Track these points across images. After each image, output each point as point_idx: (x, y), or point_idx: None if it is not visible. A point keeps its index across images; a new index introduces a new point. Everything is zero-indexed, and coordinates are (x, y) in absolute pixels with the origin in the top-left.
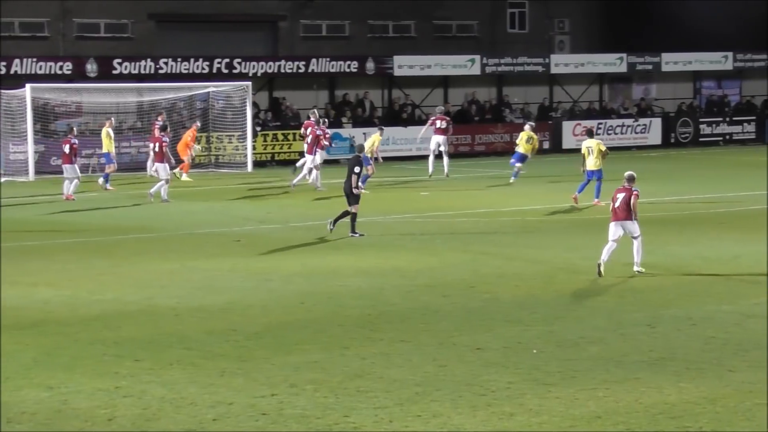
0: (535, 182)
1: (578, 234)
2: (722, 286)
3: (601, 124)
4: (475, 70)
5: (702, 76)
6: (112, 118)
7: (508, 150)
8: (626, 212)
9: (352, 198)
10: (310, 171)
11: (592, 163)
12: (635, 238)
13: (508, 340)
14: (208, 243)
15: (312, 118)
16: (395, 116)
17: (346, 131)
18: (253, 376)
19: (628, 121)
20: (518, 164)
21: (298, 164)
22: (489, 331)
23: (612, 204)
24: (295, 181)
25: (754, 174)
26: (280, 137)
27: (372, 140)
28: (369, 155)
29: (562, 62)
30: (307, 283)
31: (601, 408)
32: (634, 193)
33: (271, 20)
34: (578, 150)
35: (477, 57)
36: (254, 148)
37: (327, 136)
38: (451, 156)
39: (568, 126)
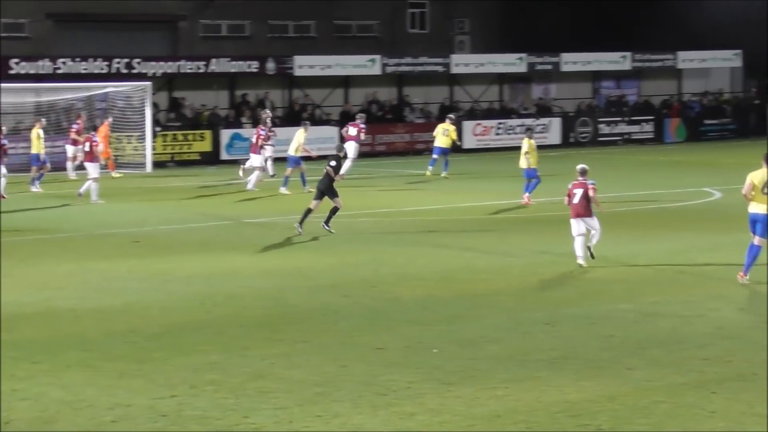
0: (436, 182)
1: (478, 233)
2: (620, 285)
3: (501, 123)
4: (376, 70)
5: (601, 75)
6: (43, 119)
7: (409, 150)
8: (586, 207)
9: (331, 193)
10: (261, 169)
11: (527, 163)
12: (581, 236)
13: (408, 340)
14: (106, 244)
15: (264, 116)
16: (296, 116)
17: (247, 132)
18: (152, 377)
19: (528, 121)
20: (435, 156)
21: (246, 165)
22: (390, 330)
23: (569, 200)
24: (250, 186)
25: (652, 173)
26: (180, 137)
27: (297, 138)
28: (295, 154)
29: (463, 62)
30: (207, 284)
31: (501, 407)
32: (590, 186)
33: (170, 20)
34: (479, 150)
35: (377, 57)
36: (154, 148)
37: (270, 136)
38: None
39: (468, 126)
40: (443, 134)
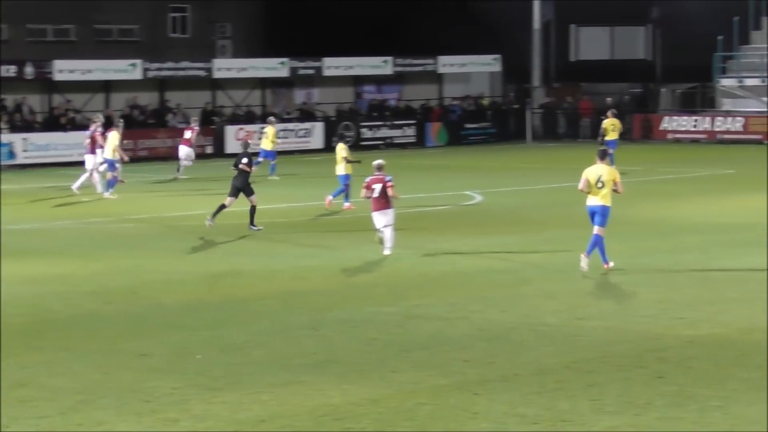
0: (197, 185)
1: (242, 238)
2: (383, 288)
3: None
4: (137, 74)
5: (363, 80)
6: None
7: (171, 155)
8: (385, 200)
9: (248, 191)
10: (90, 173)
11: (345, 169)
12: (387, 227)
13: (172, 346)
14: None
15: (96, 122)
16: (55, 122)
17: (6, 137)
18: None
19: (291, 126)
20: (260, 159)
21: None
22: (154, 337)
23: (370, 193)
24: (75, 185)
25: (415, 177)
26: None
27: (111, 140)
28: (112, 157)
29: (225, 66)
30: None
31: (265, 412)
32: (388, 182)
33: None
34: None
35: (138, 61)
36: None
37: (103, 137)
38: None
39: (231, 130)
40: (264, 137)
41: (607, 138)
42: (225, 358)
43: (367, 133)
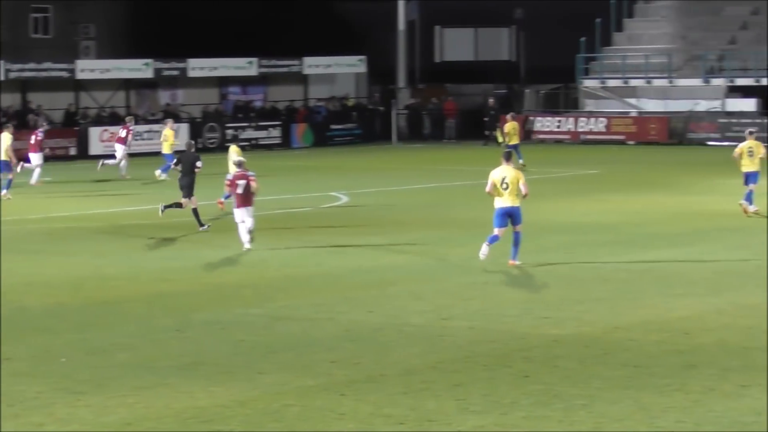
0: (62, 188)
1: (106, 240)
2: (250, 290)
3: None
4: None
5: (228, 81)
6: None
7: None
8: (249, 197)
9: (189, 191)
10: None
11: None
12: (249, 221)
13: (36, 349)
14: None
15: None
16: None
17: None
18: None
19: (156, 127)
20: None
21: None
22: (17, 340)
23: (233, 190)
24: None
25: (280, 178)
26: None
27: (4, 141)
28: (4, 158)
29: (88, 68)
30: None
31: (131, 415)
32: (251, 176)
33: None
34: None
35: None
36: None
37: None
38: None
39: (95, 132)
40: (164, 140)
41: (510, 143)
42: (90, 362)
43: (232, 134)
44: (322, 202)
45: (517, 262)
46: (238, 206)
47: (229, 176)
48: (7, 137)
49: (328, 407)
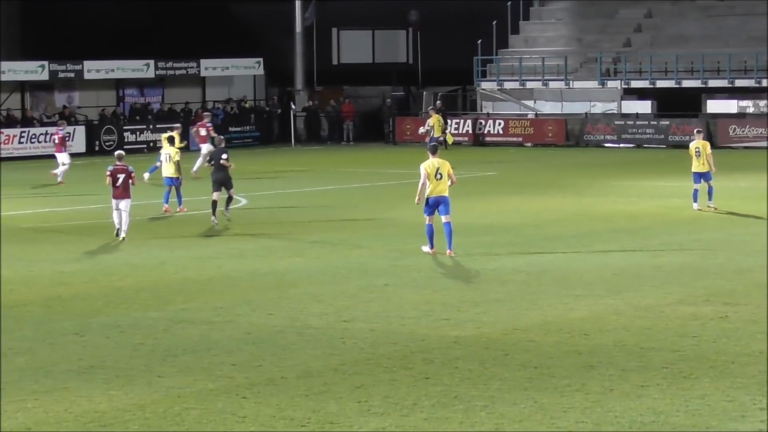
0: None
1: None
2: (149, 293)
3: (24, 132)
4: None
5: (125, 83)
6: None
7: None
8: (126, 189)
9: (229, 183)
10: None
11: (172, 171)
12: (124, 212)
13: None
14: None
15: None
16: None
17: None
18: None
19: (52, 129)
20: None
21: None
22: None
23: (113, 182)
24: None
25: None
26: None
27: None
28: None
29: None
30: None
31: (30, 419)
32: (131, 172)
33: None
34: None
35: None
36: None
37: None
38: None
39: None
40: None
41: (435, 135)
42: None
43: (129, 136)
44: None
45: (452, 253)
46: (115, 197)
47: (110, 168)
48: None
49: (229, 410)
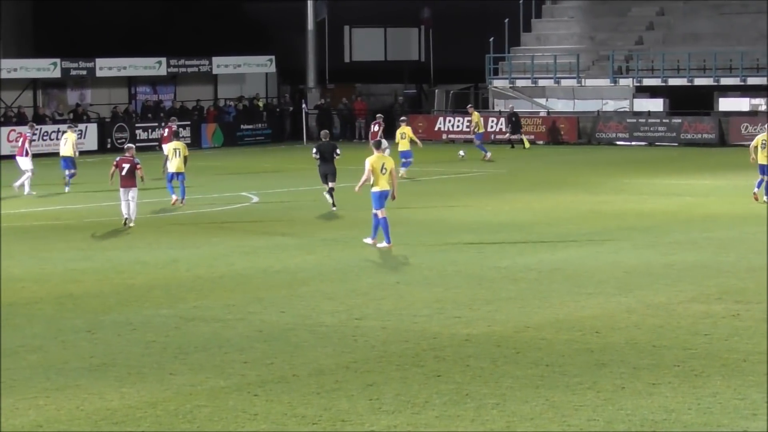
0: None
1: (13, 241)
2: (160, 291)
3: (36, 129)
4: None
5: (137, 81)
6: None
7: None
8: (132, 179)
9: (334, 176)
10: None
11: (175, 166)
12: (131, 201)
13: None
14: None
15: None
16: None
17: None
18: None
19: (64, 127)
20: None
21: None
22: None
23: (120, 172)
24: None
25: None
26: None
27: None
28: None
29: None
30: None
31: (42, 417)
32: (137, 164)
33: None
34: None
35: None
36: None
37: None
38: None
39: (2, 132)
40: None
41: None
42: None
43: (141, 134)
44: (233, 202)
45: (383, 244)
46: (122, 186)
47: (117, 159)
48: None
49: (241, 408)
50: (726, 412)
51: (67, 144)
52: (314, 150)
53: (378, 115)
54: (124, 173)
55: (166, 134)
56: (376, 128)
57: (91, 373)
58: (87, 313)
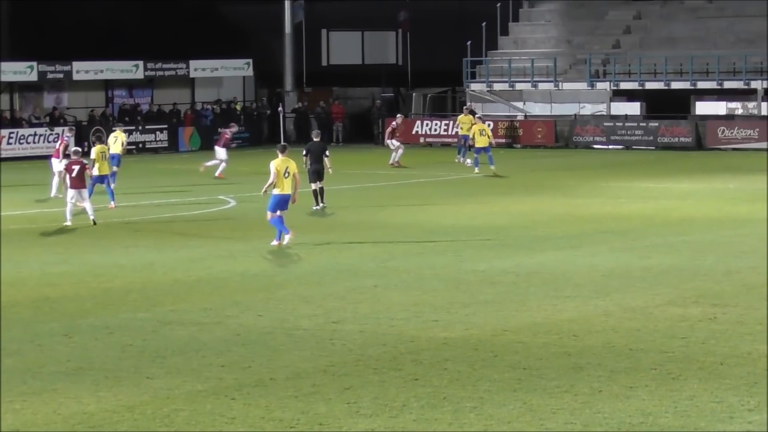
0: None
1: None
2: (138, 294)
3: (12, 133)
4: None
5: (114, 84)
6: None
7: None
8: (81, 180)
9: (322, 175)
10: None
11: (100, 170)
12: (86, 199)
13: None
14: None
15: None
16: None
17: None
18: None
19: (41, 130)
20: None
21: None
22: None
23: (69, 175)
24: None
25: (168, 182)
26: None
27: None
28: None
29: None
30: None
31: (19, 421)
32: (86, 165)
33: None
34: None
35: None
36: None
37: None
38: None
39: None
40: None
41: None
42: None
43: None
44: (210, 205)
45: (278, 243)
46: (71, 187)
47: (65, 163)
48: None
49: (218, 411)
50: (703, 415)
51: (117, 142)
52: (304, 151)
53: (398, 116)
54: (74, 175)
55: (58, 147)
56: (394, 125)
57: (68, 377)
58: (64, 317)
